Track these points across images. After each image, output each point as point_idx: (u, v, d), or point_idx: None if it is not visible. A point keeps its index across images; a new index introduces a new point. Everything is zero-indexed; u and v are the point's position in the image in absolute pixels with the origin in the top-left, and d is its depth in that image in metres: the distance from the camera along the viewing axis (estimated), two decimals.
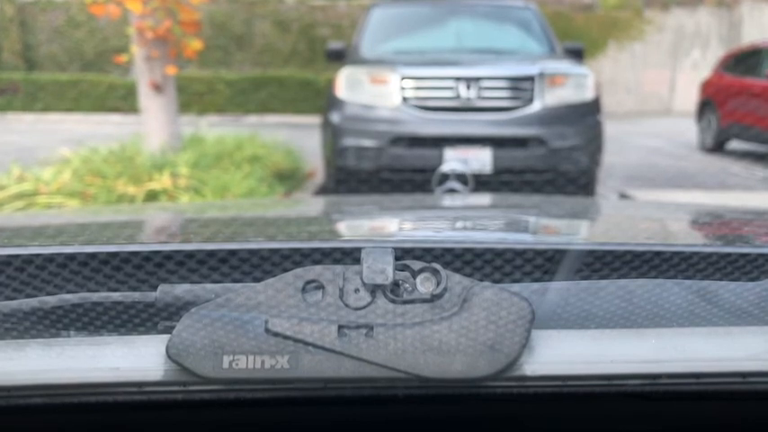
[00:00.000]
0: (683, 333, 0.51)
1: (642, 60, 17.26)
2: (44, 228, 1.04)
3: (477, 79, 4.67)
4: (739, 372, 0.49)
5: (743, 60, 9.80)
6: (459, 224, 1.13)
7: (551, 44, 5.75)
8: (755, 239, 0.92)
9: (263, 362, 0.48)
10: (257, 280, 0.54)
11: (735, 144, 9.77)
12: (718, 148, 9.76)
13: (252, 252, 0.64)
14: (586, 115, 4.81)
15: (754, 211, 1.27)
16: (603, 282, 0.57)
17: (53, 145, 6.19)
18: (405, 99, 4.64)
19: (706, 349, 0.49)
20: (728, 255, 0.65)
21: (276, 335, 0.48)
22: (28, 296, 0.60)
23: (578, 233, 1.10)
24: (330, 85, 5.00)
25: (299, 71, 15.12)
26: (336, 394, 0.49)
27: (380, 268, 0.51)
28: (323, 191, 5.62)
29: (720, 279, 0.62)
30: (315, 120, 6.22)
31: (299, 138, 7.61)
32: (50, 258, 0.63)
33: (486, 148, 4.53)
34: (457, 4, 6.15)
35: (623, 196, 5.78)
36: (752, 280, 0.61)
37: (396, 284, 0.52)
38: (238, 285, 0.56)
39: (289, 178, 5.82)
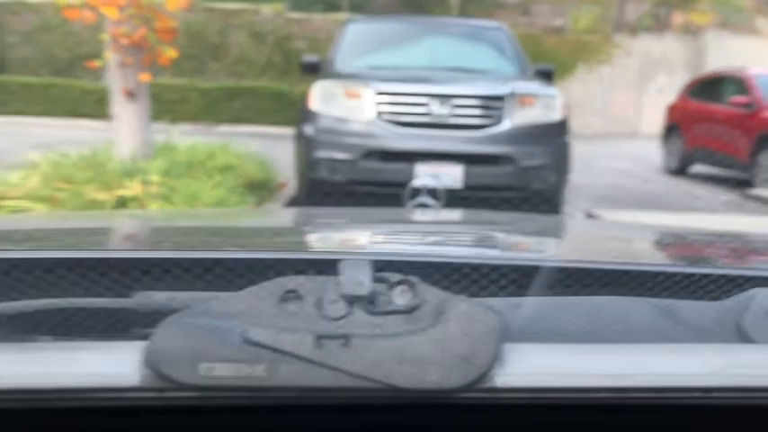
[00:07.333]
0: (649, 349, 0.52)
1: (610, 83, 17.59)
2: (34, 232, 1.03)
3: (450, 97, 4.72)
4: (701, 387, 0.50)
5: (707, 87, 10.05)
6: (436, 239, 1.15)
7: (522, 65, 5.84)
8: (717, 261, 0.96)
9: (239, 370, 0.48)
10: (237, 289, 0.55)
11: (698, 168, 10.00)
12: (682, 171, 9.98)
13: (233, 261, 0.64)
14: (555, 135, 4.89)
15: (717, 233, 1.31)
16: (574, 298, 0.58)
17: (23, 149, 6.06)
18: (378, 114, 4.67)
19: (670, 365, 0.51)
20: (692, 275, 0.68)
21: (254, 343, 0.48)
22: (11, 300, 0.60)
23: (552, 250, 1.12)
24: (304, 97, 5.01)
25: (273, 82, 15.08)
26: (313, 403, 0.50)
27: (358, 280, 0.52)
28: (294, 202, 5.60)
29: (684, 298, 0.65)
30: (288, 131, 6.20)
31: (272, 148, 7.56)
32: (35, 264, 0.62)
33: (458, 165, 4.58)
34: (432, 22, 6.24)
35: (590, 216, 5.86)
36: (713, 299, 0.63)
37: (373, 296, 0.53)
38: (218, 294, 0.56)
39: (260, 189, 5.79)
